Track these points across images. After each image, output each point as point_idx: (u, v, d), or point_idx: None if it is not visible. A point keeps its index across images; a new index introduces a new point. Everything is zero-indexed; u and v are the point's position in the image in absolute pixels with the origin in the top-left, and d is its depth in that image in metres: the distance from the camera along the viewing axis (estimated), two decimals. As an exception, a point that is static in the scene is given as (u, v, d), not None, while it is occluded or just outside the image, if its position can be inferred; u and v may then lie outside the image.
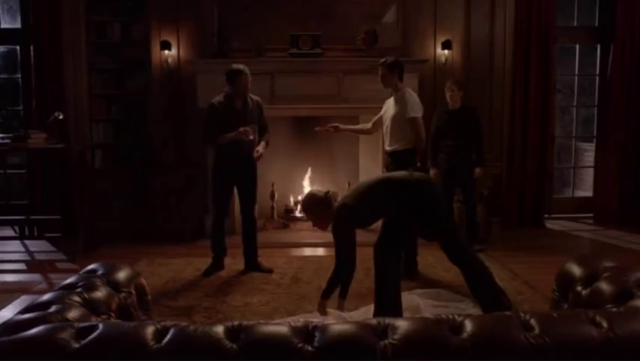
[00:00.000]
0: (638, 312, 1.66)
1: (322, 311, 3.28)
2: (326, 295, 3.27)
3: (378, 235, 3.37)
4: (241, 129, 4.20)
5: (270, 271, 4.54)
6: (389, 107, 4.44)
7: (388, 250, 3.32)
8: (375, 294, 3.32)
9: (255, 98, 4.50)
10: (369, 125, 4.70)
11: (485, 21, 5.98)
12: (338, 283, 3.25)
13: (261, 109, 4.54)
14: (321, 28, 5.74)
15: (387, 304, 3.23)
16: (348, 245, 3.19)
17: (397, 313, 3.19)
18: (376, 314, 3.17)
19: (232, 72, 4.31)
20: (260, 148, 4.46)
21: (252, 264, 4.61)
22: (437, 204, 3.23)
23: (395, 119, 4.32)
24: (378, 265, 3.32)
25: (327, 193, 3.29)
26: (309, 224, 6.00)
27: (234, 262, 4.81)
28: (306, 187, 6.18)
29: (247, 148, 4.38)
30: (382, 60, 4.36)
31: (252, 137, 4.28)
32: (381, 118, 4.53)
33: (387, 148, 4.44)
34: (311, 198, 3.35)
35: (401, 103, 4.28)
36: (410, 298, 3.59)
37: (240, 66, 4.33)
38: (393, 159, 4.33)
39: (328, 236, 5.95)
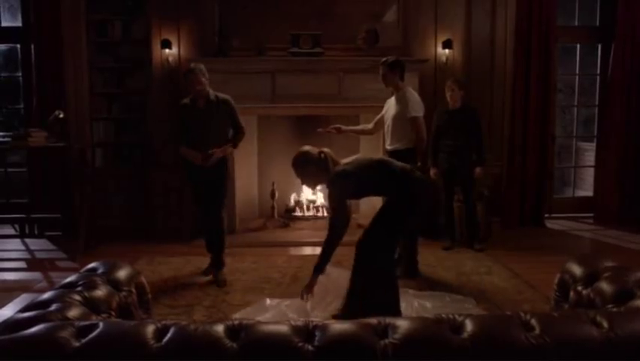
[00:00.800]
0: (638, 312, 1.66)
1: (310, 290, 3.16)
2: (320, 268, 3.13)
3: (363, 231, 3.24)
4: (192, 152, 4.21)
5: (222, 284, 4.23)
6: (390, 107, 4.44)
7: (372, 249, 3.17)
8: (348, 290, 3.16)
9: (222, 97, 4.34)
10: (370, 125, 4.70)
11: (486, 20, 5.98)
12: (332, 253, 3.13)
13: (229, 108, 4.33)
14: (322, 28, 5.74)
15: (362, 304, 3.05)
16: (346, 209, 3.15)
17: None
18: (343, 311, 3.08)
19: (184, 73, 4.28)
20: (218, 151, 4.22)
21: (216, 265, 4.39)
22: (432, 206, 3.20)
23: (396, 118, 4.32)
24: (357, 260, 3.17)
25: (320, 153, 3.21)
26: (310, 223, 6.05)
27: (234, 261, 4.81)
28: (308, 190, 6.18)
29: (209, 147, 4.22)
30: (383, 59, 4.36)
31: (199, 163, 4.19)
32: (382, 118, 4.54)
33: (389, 147, 4.44)
34: (304, 155, 3.24)
35: (402, 102, 4.29)
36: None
37: (191, 65, 4.27)
38: (394, 158, 4.34)
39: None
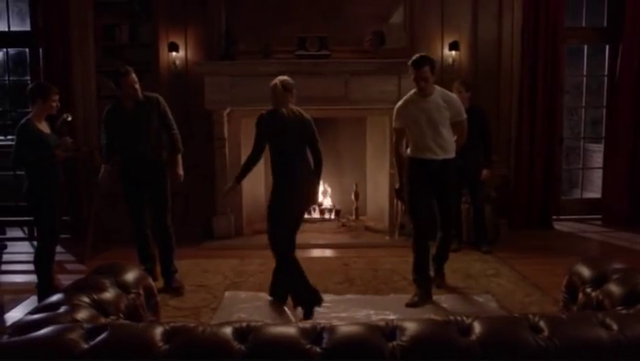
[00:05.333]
0: (648, 314, 1.65)
1: (227, 194, 4.30)
2: (240, 179, 3.81)
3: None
4: (106, 179, 4.21)
5: (178, 290, 4.09)
6: (424, 111, 3.76)
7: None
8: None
9: (151, 95, 4.15)
10: (405, 146, 4.04)
11: (493, 22, 5.96)
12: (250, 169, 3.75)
13: (160, 107, 4.11)
14: (328, 30, 5.74)
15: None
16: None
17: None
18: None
19: (116, 75, 4.07)
20: (179, 170, 4.15)
21: (167, 281, 4.15)
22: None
23: (444, 122, 3.78)
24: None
25: None
26: (316, 226, 6.04)
27: (242, 263, 4.82)
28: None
29: (147, 151, 4.07)
30: (419, 58, 3.73)
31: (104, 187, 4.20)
32: (402, 130, 3.93)
33: (433, 156, 3.79)
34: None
35: (449, 103, 3.81)
36: None
37: (124, 67, 4.05)
38: (446, 166, 3.81)
39: (335, 238, 5.96)
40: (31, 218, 4.23)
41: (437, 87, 3.85)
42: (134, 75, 4.02)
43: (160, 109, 4.13)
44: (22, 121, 3.97)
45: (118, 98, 4.14)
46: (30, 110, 4.13)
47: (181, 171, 4.19)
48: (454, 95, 3.90)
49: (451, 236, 4.19)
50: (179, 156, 4.21)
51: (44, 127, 4.01)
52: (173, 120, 4.22)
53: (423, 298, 3.81)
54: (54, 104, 4.00)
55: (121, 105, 4.10)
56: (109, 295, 1.89)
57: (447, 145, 3.82)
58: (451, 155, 3.85)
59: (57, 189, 4.00)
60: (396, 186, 4.15)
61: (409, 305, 3.76)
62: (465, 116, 3.89)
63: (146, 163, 4.10)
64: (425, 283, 3.84)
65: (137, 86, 4.04)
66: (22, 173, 4.03)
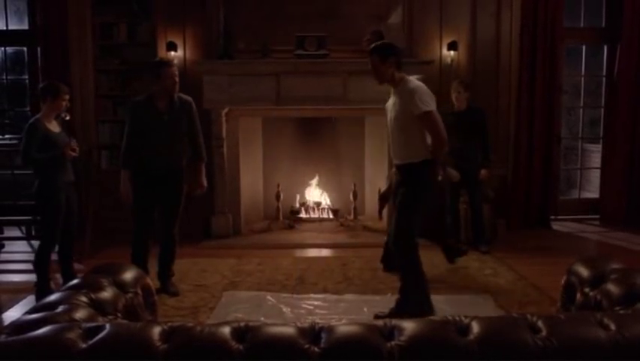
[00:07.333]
0: (646, 314, 1.65)
1: None
2: None
3: None
4: (127, 187, 3.96)
5: (175, 294, 4.01)
6: (390, 108, 3.42)
7: None
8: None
9: (185, 98, 3.99)
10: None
11: (491, 22, 5.96)
12: None
13: (192, 113, 3.99)
14: (327, 29, 5.73)
15: None
16: None
17: None
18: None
19: (157, 65, 3.94)
20: (203, 180, 4.03)
21: (163, 284, 4.05)
22: None
23: (401, 120, 3.28)
24: None
25: None
26: (314, 225, 6.05)
27: (240, 263, 4.82)
28: (313, 192, 6.22)
29: (171, 156, 3.93)
30: (370, 47, 3.44)
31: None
32: None
33: (397, 161, 3.40)
34: None
35: (405, 96, 3.23)
36: None
37: (165, 58, 3.90)
38: (408, 175, 3.32)
39: (333, 237, 5.97)
40: (33, 217, 4.21)
41: (408, 80, 3.32)
42: (175, 68, 3.93)
43: (192, 114, 3.99)
44: (31, 120, 3.95)
45: (149, 94, 3.96)
46: (28, 109, 4.12)
47: (205, 182, 4.11)
48: (411, 86, 3.25)
49: (405, 270, 3.49)
50: (204, 166, 4.12)
51: (54, 126, 3.99)
52: (200, 128, 4.10)
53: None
54: (64, 103, 3.98)
55: (152, 102, 3.90)
56: (107, 294, 1.88)
57: (407, 147, 3.30)
58: (413, 161, 3.28)
59: (67, 188, 3.99)
60: (382, 189, 3.84)
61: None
62: (423, 108, 3.15)
63: (166, 169, 3.94)
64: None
65: (177, 79, 3.92)
66: (22, 172, 4.03)
